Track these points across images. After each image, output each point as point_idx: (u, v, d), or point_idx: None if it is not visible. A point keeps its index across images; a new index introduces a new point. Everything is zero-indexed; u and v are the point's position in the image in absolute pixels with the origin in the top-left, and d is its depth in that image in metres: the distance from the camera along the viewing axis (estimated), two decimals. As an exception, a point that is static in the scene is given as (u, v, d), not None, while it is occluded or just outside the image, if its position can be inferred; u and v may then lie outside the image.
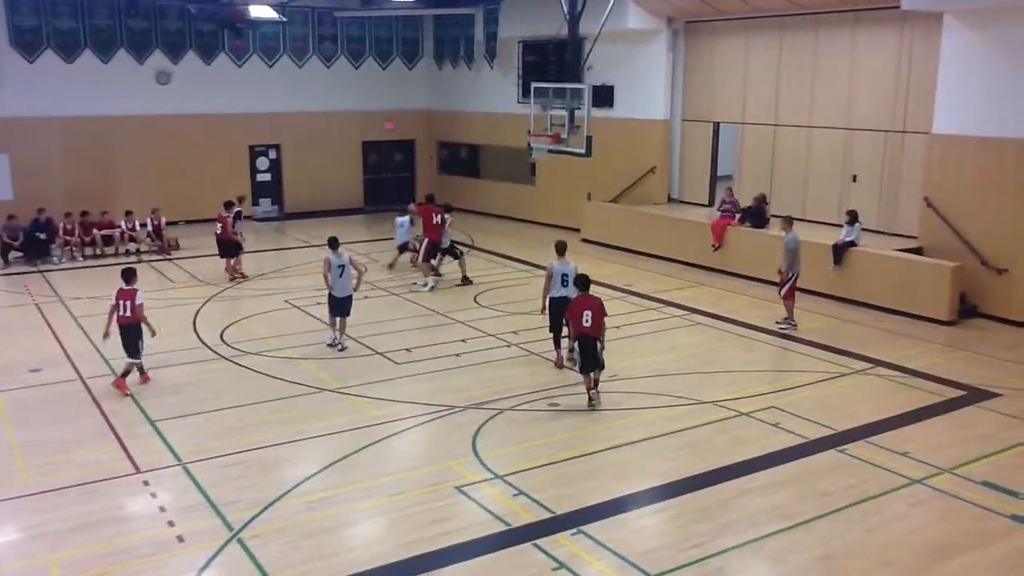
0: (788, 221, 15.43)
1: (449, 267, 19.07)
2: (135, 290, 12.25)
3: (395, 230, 20.06)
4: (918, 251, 17.01)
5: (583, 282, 11.90)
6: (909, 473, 9.65)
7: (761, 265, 18.14)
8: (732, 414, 11.37)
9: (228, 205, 19.01)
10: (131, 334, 12.22)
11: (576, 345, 11.65)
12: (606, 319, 11.62)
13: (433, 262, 18.52)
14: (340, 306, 14.14)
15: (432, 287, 17.92)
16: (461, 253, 19.00)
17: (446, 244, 18.58)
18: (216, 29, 25.41)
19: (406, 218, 19.95)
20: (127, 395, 11.98)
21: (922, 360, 13.64)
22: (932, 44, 16.99)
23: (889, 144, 18.52)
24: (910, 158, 18.11)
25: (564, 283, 13.02)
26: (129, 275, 12.42)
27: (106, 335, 12.23)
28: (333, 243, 14.32)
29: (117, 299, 12.18)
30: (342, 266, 14.04)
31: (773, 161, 20.87)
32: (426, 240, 18.21)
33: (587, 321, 11.35)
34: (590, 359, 11.49)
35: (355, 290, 14.34)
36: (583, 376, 11.68)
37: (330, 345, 14.14)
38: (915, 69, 17.82)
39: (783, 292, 15.37)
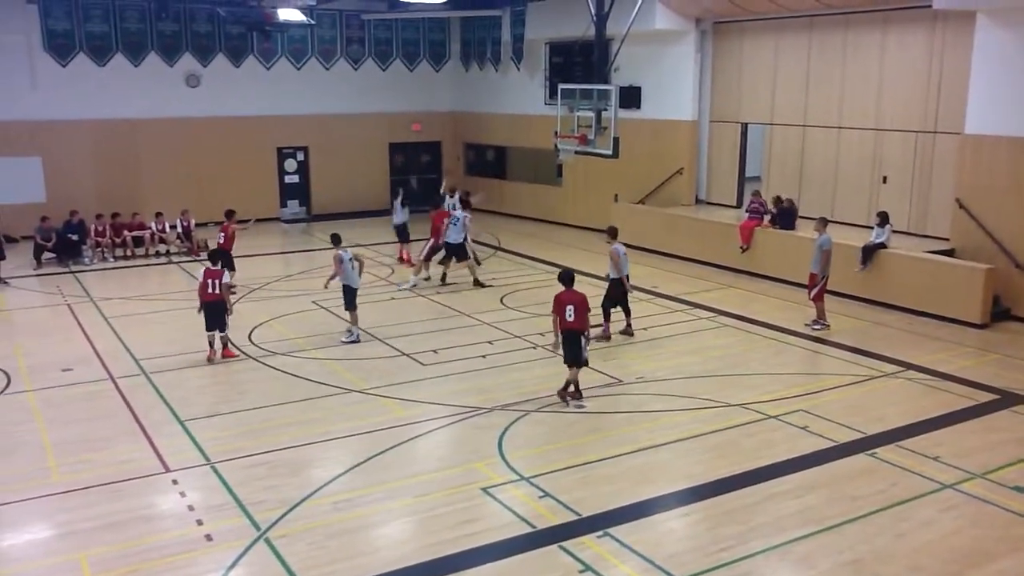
0: (823, 222, 15.32)
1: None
2: (222, 271, 13.54)
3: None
4: (950, 253, 16.81)
5: (569, 278, 11.89)
6: (940, 478, 9.53)
7: (789, 267, 18.00)
8: (760, 417, 11.28)
9: (229, 214, 18.51)
10: (220, 310, 13.44)
11: (561, 340, 11.65)
12: (589, 314, 11.72)
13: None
14: (354, 297, 14.59)
15: (414, 286, 18.37)
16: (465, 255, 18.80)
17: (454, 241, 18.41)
18: (245, 32, 25.63)
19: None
20: (236, 356, 13.64)
21: (953, 363, 13.47)
22: (964, 43, 16.79)
23: (920, 145, 18.31)
24: (941, 159, 17.89)
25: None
26: (215, 256, 13.89)
27: (200, 310, 13.50)
28: (337, 240, 14.92)
29: (205, 278, 13.40)
30: (351, 259, 14.57)
31: (802, 162, 20.72)
32: (432, 240, 18.61)
33: (570, 316, 11.47)
34: (572, 353, 11.59)
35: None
36: (570, 368, 11.75)
37: (355, 341, 14.52)
38: (947, 69, 17.61)
39: (813, 294, 15.25)
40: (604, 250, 22.04)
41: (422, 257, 18.70)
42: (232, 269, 17.94)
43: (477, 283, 18.39)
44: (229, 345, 13.80)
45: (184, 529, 8.48)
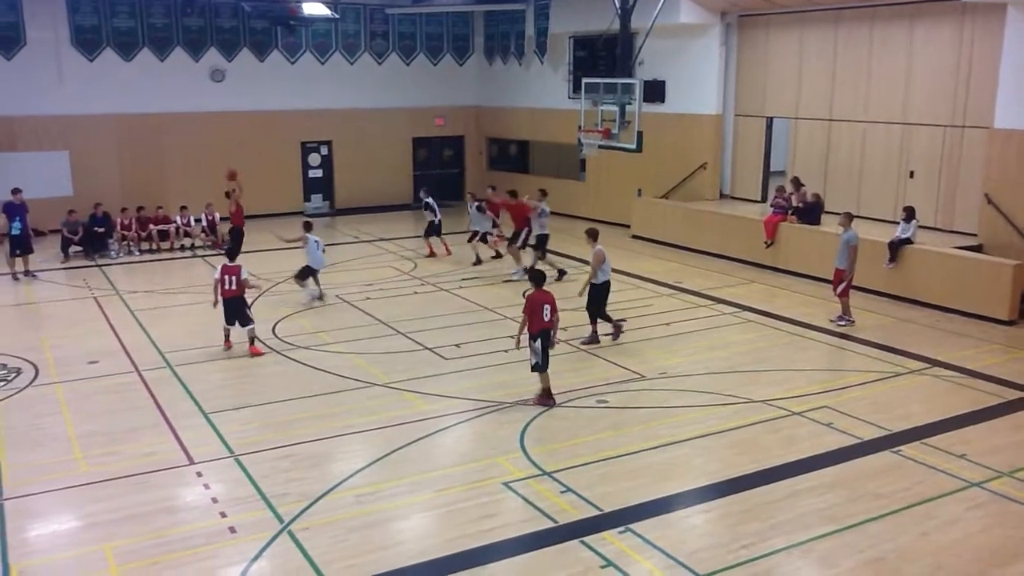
0: (848, 217, 15.16)
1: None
2: (239, 266, 13.69)
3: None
4: (978, 249, 16.63)
5: (542, 277, 11.65)
6: (966, 476, 9.44)
7: (814, 262, 17.88)
8: (783, 413, 11.21)
9: (232, 175, 19.17)
10: (238, 306, 13.65)
11: (539, 343, 11.27)
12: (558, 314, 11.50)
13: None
14: (312, 274, 16.80)
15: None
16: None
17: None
18: (269, 27, 25.74)
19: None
20: (263, 354, 13.60)
21: (981, 360, 13.32)
22: (994, 37, 16.61)
23: (948, 139, 18.10)
24: (970, 153, 17.69)
25: None
26: (233, 253, 14.15)
27: (215, 303, 13.66)
28: (309, 227, 16.81)
29: (223, 274, 13.47)
30: (317, 241, 16.66)
31: (827, 157, 20.55)
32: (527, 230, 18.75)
33: (547, 316, 11.23)
34: (545, 354, 11.32)
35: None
36: (540, 374, 11.41)
37: (319, 298, 16.72)
38: (976, 62, 17.40)
39: (840, 290, 15.10)
40: (626, 245, 22.20)
41: (519, 246, 18.77)
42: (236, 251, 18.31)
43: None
44: (256, 342, 13.75)
45: (208, 521, 8.55)
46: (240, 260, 14.13)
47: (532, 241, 18.78)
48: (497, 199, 19.84)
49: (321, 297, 16.78)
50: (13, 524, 8.51)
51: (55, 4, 23.33)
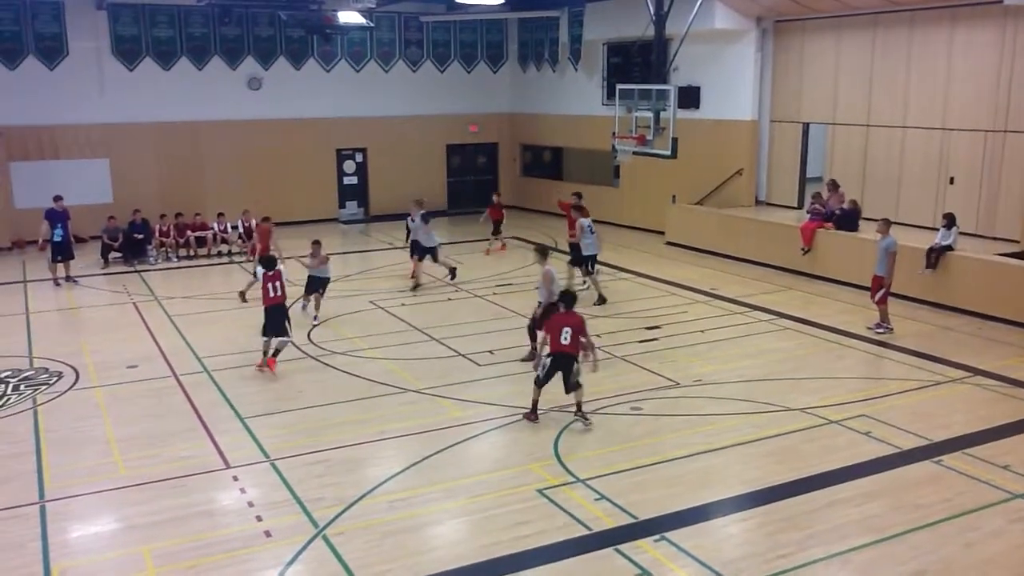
0: (886, 224, 14.97)
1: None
2: (279, 271, 13.32)
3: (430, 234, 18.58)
4: (1020, 256, 16.33)
5: (572, 299, 11.26)
6: (1009, 487, 9.25)
7: (852, 269, 17.67)
8: (821, 422, 11.08)
9: (266, 220, 18.78)
10: (281, 313, 13.19)
11: (548, 361, 10.94)
12: (588, 338, 10.98)
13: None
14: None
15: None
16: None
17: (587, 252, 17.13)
18: (305, 35, 25.99)
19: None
20: (275, 373, 12.97)
21: (1024, 369, 13.10)
22: (1037, 40, 16.34)
23: (989, 144, 17.82)
24: (1012, 158, 17.40)
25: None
26: (270, 262, 13.46)
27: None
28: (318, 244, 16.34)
29: (265, 282, 13.11)
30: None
31: (865, 163, 20.31)
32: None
33: (566, 339, 10.77)
34: (564, 378, 10.91)
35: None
36: (535, 388, 11.09)
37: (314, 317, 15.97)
38: (1018, 66, 17.12)
39: (879, 297, 14.90)
40: (661, 252, 22.11)
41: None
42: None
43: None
44: (277, 356, 13.14)
45: (244, 525, 8.61)
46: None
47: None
48: (564, 202, 18.34)
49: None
50: (54, 526, 8.63)
51: (96, 15, 23.74)
